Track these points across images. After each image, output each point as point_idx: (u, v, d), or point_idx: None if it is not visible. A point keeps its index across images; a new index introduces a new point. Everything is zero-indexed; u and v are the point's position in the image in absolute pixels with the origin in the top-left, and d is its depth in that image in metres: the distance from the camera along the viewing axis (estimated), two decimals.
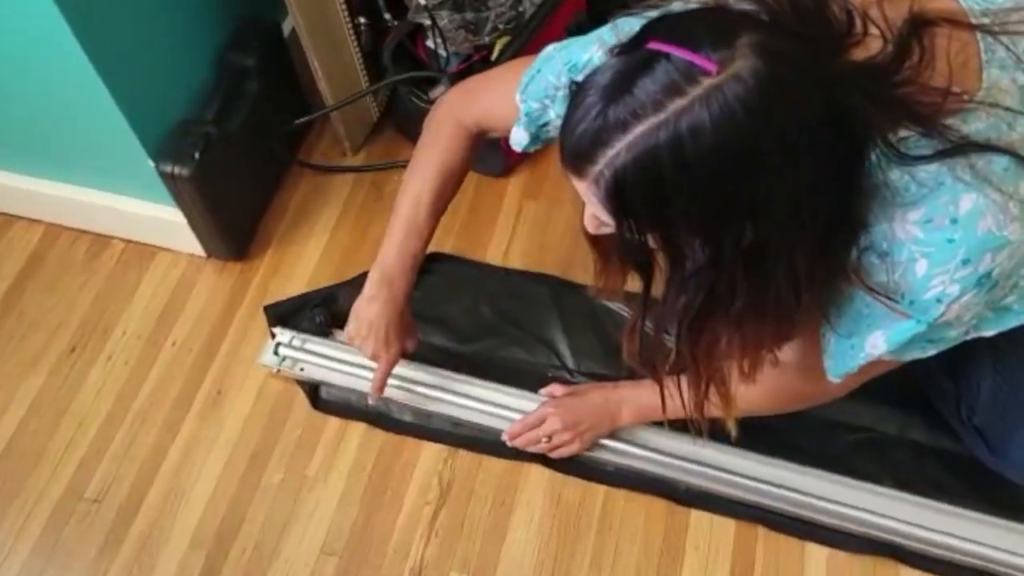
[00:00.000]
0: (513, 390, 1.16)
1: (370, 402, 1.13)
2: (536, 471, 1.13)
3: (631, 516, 1.09)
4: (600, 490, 1.12)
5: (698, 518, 1.09)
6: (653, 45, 0.57)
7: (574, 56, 0.82)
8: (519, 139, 0.91)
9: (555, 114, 0.86)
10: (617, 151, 0.57)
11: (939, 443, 1.10)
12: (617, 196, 0.59)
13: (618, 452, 1.11)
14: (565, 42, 0.86)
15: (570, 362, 1.22)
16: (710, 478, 1.09)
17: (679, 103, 0.55)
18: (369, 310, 1.03)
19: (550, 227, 1.35)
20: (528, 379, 1.19)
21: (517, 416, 1.12)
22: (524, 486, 1.12)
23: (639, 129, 0.56)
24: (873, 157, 0.63)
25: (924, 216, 0.65)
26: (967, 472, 1.07)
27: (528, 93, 0.86)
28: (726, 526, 1.08)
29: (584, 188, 0.62)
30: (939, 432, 1.10)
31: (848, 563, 1.05)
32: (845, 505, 1.05)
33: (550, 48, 0.87)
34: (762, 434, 1.11)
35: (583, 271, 1.29)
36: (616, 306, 1.25)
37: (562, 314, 1.26)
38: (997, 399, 0.96)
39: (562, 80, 0.82)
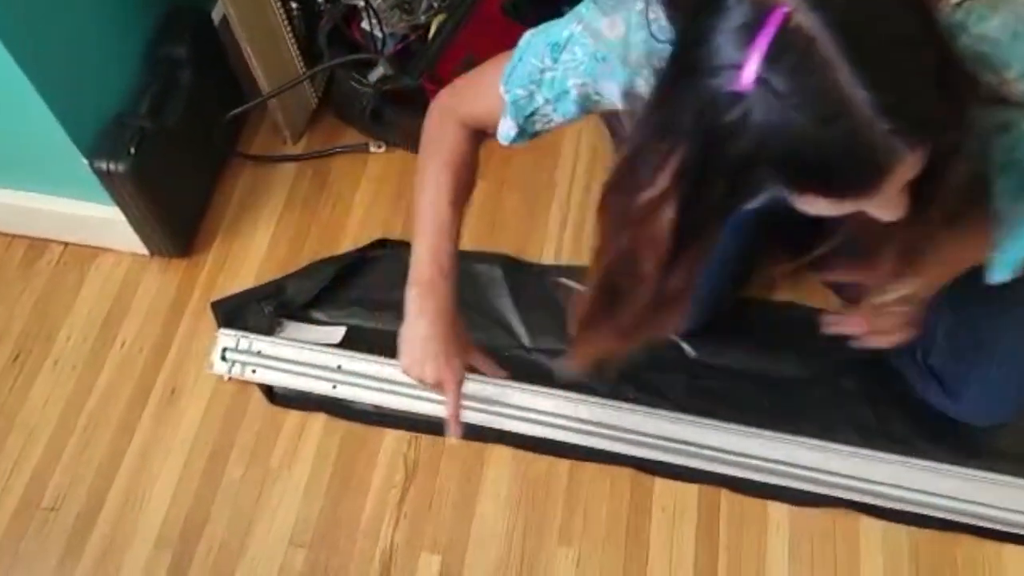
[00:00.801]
0: (472, 376, 1.14)
1: (451, 434, 0.94)
2: (501, 449, 1.14)
3: (597, 484, 1.11)
4: (565, 464, 1.13)
5: (663, 482, 1.11)
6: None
7: (553, 36, 0.80)
8: (506, 131, 0.86)
9: (542, 99, 0.83)
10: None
11: (895, 394, 1.13)
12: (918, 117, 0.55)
13: (580, 432, 1.12)
14: (542, 26, 0.83)
15: (526, 340, 1.22)
16: (672, 452, 1.10)
17: None
18: (416, 330, 0.90)
19: (499, 207, 1.35)
20: None
21: (474, 403, 1.12)
22: (489, 463, 1.13)
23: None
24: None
25: (1018, 72, 0.65)
26: (922, 421, 1.10)
27: (512, 82, 0.83)
28: (690, 488, 1.10)
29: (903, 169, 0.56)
30: (894, 383, 1.12)
31: (810, 517, 1.07)
32: (804, 467, 1.08)
33: (527, 35, 0.84)
34: (721, 395, 1.14)
35: (534, 249, 1.30)
36: (572, 283, 1.26)
37: (515, 293, 1.26)
38: (953, 340, 0.98)
39: (545, 62, 0.80)
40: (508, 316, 1.24)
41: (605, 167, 1.33)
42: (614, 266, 0.73)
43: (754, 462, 1.09)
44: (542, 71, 0.81)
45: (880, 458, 1.07)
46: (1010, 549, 1.03)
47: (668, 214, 0.63)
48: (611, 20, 0.74)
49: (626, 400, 1.14)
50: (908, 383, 1.08)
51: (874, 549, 1.05)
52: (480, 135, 0.94)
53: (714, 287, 1.10)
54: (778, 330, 1.20)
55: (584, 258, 1.26)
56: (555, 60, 0.79)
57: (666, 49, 0.65)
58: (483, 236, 1.31)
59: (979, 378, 0.99)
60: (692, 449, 1.10)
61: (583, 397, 1.14)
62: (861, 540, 1.05)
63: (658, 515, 1.09)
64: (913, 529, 1.06)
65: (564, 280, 1.26)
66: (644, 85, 0.73)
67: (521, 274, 1.28)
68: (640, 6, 0.71)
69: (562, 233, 1.31)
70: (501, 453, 1.14)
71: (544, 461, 1.13)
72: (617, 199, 0.68)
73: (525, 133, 0.88)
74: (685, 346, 1.19)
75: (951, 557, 1.04)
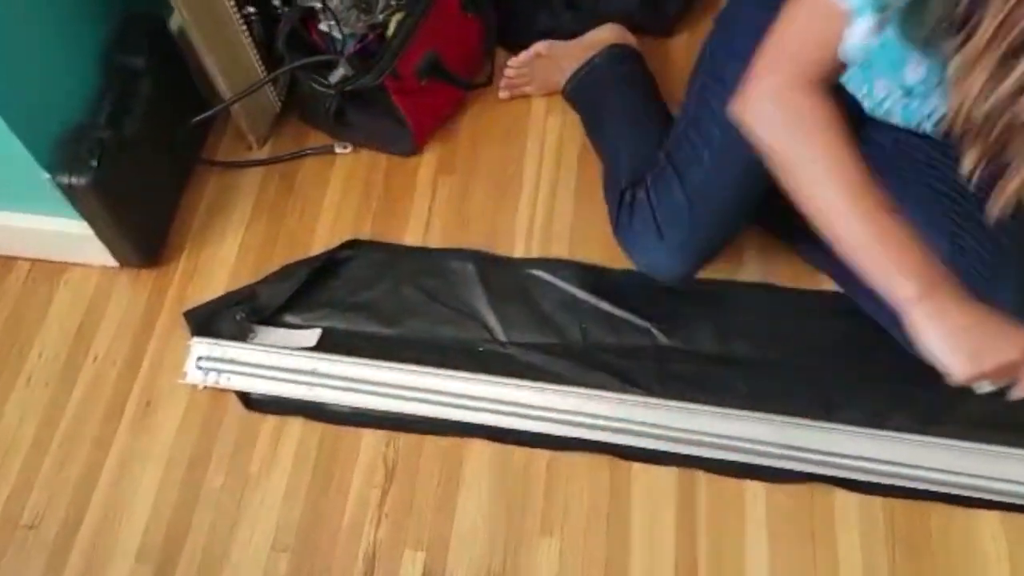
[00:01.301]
0: (448, 372, 1.17)
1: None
2: (479, 444, 1.14)
3: (576, 475, 1.12)
4: (544, 454, 1.13)
5: (641, 468, 1.12)
6: None
7: None
8: (860, 37, 0.74)
9: None
10: None
11: (861, 371, 1.15)
12: None
13: (557, 422, 1.13)
14: None
15: (500, 335, 1.22)
16: (649, 437, 1.11)
17: None
18: (948, 328, 0.74)
19: (468, 200, 1.35)
20: (459, 356, 1.20)
21: (450, 399, 1.14)
22: (469, 459, 1.13)
23: None
24: None
25: None
26: (890, 394, 1.12)
27: None
28: (668, 472, 1.11)
29: None
30: (859, 360, 1.15)
31: (786, 494, 1.09)
32: (778, 445, 1.09)
33: None
34: (693, 379, 1.15)
35: (505, 242, 1.30)
36: (544, 275, 1.26)
37: (488, 287, 1.26)
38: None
39: None
40: (482, 311, 1.24)
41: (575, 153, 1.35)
42: None
43: (730, 443, 1.10)
44: None
45: (851, 432, 1.09)
46: (982, 515, 1.05)
47: None
48: None
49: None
50: (899, 342, 1.08)
51: (850, 522, 1.06)
52: (826, 86, 0.81)
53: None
54: (746, 312, 1.21)
55: (554, 249, 1.28)
56: None
57: None
58: (453, 231, 1.32)
59: None
60: (668, 433, 1.11)
61: (558, 388, 1.15)
62: (837, 514, 1.07)
63: (637, 500, 1.09)
64: (887, 500, 1.07)
65: (538, 272, 1.27)
66: None
67: (493, 268, 1.28)
68: None
69: (532, 225, 1.32)
70: (479, 447, 1.14)
71: (522, 453, 1.13)
72: None
73: (882, 24, 0.75)
74: (656, 332, 1.20)
75: (925, 526, 1.05)
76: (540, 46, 1.38)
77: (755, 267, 1.25)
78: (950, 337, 0.75)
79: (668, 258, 1.10)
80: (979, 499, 1.05)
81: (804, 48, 0.80)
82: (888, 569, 1.03)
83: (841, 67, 0.80)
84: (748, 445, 1.10)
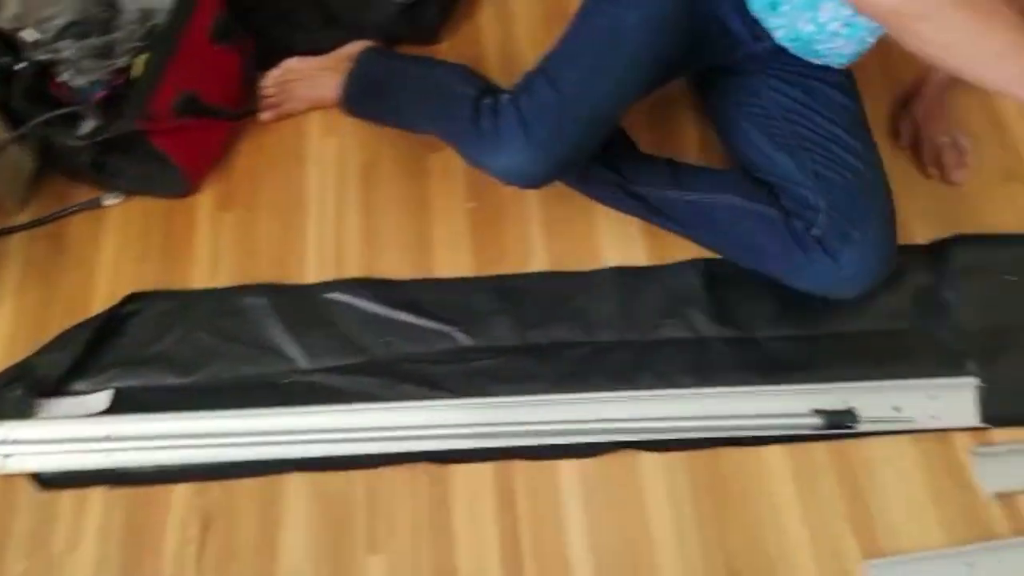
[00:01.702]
0: (251, 411, 1.15)
1: None
2: (295, 477, 1.13)
3: (396, 488, 1.12)
4: (361, 475, 1.13)
5: (458, 469, 1.13)
6: None
7: None
8: None
9: None
10: None
11: (647, 341, 1.21)
12: None
13: (369, 440, 1.13)
14: None
15: (304, 363, 1.21)
16: (460, 437, 1.13)
17: None
18: None
19: (254, 233, 1.32)
20: (263, 393, 1.18)
21: (259, 438, 1.12)
22: (285, 494, 1.12)
23: None
24: None
25: None
26: (673, 357, 1.20)
27: None
28: (485, 468, 1.13)
29: None
30: (655, 324, 1.22)
31: (596, 465, 1.13)
32: (583, 421, 1.14)
33: None
34: (497, 373, 1.19)
35: (296, 269, 1.29)
36: (340, 297, 1.26)
37: (285, 318, 1.24)
38: (840, 207, 1.12)
39: None
40: (282, 343, 1.23)
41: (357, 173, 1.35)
42: None
43: (538, 428, 1.14)
44: None
45: (642, 396, 1.15)
46: (766, 449, 1.13)
47: None
48: None
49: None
50: (773, 273, 1.19)
51: (657, 480, 1.12)
52: None
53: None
54: (539, 301, 1.25)
55: (348, 269, 1.28)
56: None
57: None
58: (243, 267, 1.29)
59: (862, 237, 1.11)
60: (479, 430, 1.14)
61: (365, 406, 1.16)
62: (645, 475, 1.12)
63: (458, 501, 1.11)
64: (687, 453, 1.13)
65: (334, 296, 1.26)
66: None
67: (288, 298, 1.26)
68: None
69: (322, 248, 1.31)
70: (295, 481, 1.13)
71: (340, 477, 1.13)
72: None
73: None
74: (457, 335, 1.22)
75: (721, 469, 1.12)
76: (290, 62, 1.38)
77: (543, 256, 1.29)
78: None
79: (530, 155, 1.07)
80: (760, 436, 1.13)
81: None
82: (694, 515, 1.09)
83: None
84: (555, 427, 1.14)
